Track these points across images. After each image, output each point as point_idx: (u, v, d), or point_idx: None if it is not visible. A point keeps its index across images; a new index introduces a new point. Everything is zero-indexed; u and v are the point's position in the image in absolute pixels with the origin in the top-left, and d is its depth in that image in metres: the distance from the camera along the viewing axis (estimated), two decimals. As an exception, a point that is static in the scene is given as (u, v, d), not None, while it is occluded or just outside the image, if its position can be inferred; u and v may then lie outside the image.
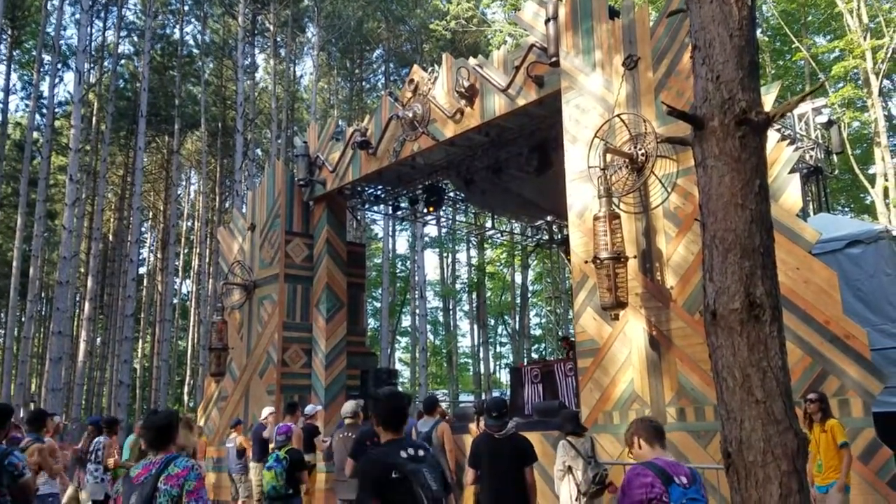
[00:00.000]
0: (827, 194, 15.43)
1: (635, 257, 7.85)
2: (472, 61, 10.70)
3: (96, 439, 9.10)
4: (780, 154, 7.11)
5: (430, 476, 3.28)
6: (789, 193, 7.01)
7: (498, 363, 45.86)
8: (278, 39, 34.19)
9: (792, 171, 7.19)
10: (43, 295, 37.18)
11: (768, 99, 7.04)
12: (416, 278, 31.91)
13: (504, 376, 43.57)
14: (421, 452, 3.41)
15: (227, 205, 35.20)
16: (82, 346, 28.81)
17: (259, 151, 37.21)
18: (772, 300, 2.42)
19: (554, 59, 9.03)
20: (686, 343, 7.40)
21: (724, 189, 2.44)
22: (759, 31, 25.35)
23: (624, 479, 3.23)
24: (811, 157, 13.92)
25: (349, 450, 6.99)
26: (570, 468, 5.97)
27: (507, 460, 5.48)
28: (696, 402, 7.26)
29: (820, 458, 6.18)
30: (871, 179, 19.79)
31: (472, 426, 8.85)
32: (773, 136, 7.33)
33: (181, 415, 4.93)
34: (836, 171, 17.67)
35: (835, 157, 14.76)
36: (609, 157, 7.89)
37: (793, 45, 22.58)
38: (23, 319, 30.79)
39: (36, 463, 6.92)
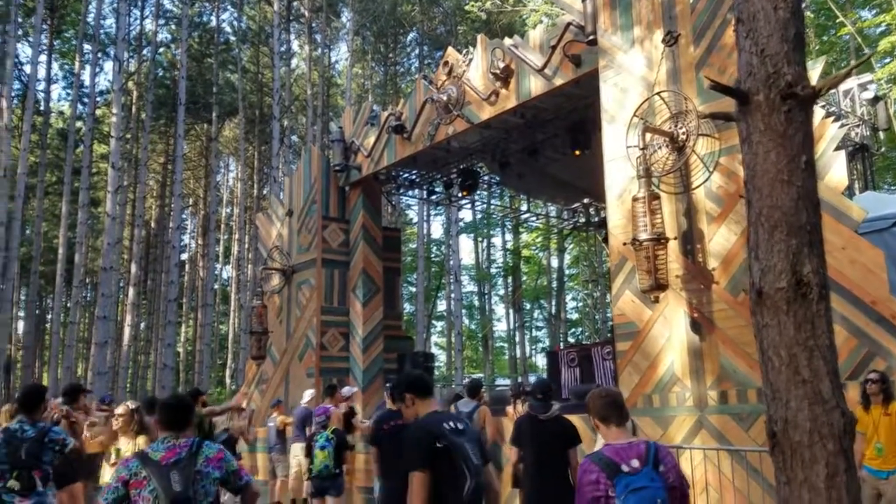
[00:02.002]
0: (873, 172, 15.02)
1: (676, 239, 7.74)
2: (507, 42, 10.60)
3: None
4: (825, 131, 6.92)
5: (471, 449, 3.27)
6: (835, 171, 6.84)
7: (534, 347, 45.81)
8: (313, 25, 34.31)
9: (837, 148, 7.01)
10: (88, 281, 38.12)
11: (813, 74, 6.85)
12: (451, 262, 31.94)
13: (540, 360, 43.49)
14: (461, 426, 3.41)
15: (265, 191, 35.57)
16: (127, 330, 29.54)
17: (295, 138, 37.50)
18: (819, 278, 2.37)
19: (591, 37, 8.90)
20: (729, 325, 7.28)
21: (769, 165, 2.39)
22: (803, 6, 24.68)
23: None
24: (857, 133, 13.54)
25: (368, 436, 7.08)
26: (608, 451, 5.93)
27: (551, 442, 5.49)
28: (738, 385, 7.16)
29: (880, 440, 5.90)
30: (920, 157, 19.19)
31: (510, 409, 8.87)
32: (818, 112, 7.15)
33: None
34: (883, 149, 17.15)
35: (881, 134, 14.34)
36: (649, 136, 7.76)
37: (837, 20, 21.92)
38: (69, 305, 31.66)
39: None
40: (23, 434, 5.05)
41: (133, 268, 30.07)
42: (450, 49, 11.99)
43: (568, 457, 5.50)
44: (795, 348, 2.33)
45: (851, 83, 13.93)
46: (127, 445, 5.73)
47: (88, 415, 8.38)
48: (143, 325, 38.07)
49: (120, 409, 5.99)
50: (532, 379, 32.25)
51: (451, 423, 3.36)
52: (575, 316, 42.20)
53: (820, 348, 2.32)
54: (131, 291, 29.55)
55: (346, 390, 10.72)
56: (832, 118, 7.97)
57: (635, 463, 2.75)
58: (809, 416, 2.27)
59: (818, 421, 2.26)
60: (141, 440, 5.68)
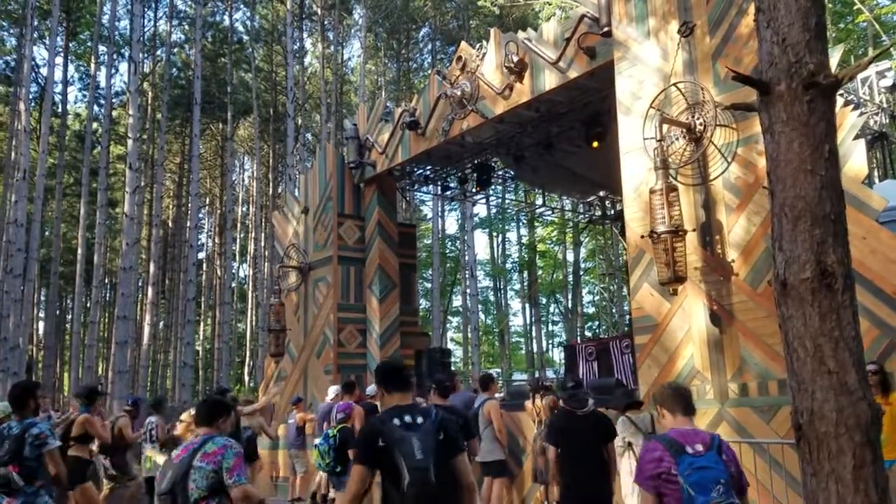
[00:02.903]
0: (892, 161, 14.84)
1: (694, 230, 7.69)
2: (520, 35, 10.56)
3: (149, 419, 9.47)
4: (844, 119, 6.84)
5: (418, 445, 3.19)
6: (854, 160, 6.76)
7: (550, 342, 45.70)
8: (326, 23, 34.36)
9: (857, 137, 6.93)
10: (107, 281, 38.49)
11: (831, 62, 6.78)
12: (467, 258, 31.94)
13: (557, 355, 43.45)
14: (419, 419, 3.32)
15: (280, 189, 35.75)
16: (146, 329, 29.78)
17: (310, 136, 37.61)
18: (843, 268, 2.35)
19: (606, 28, 8.84)
20: (749, 317, 7.23)
21: (792, 155, 2.37)
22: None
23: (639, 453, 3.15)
24: (876, 122, 13.39)
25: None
26: (629, 444, 5.93)
27: (589, 438, 5.45)
28: (759, 377, 7.11)
29: (881, 432, 5.87)
30: (941, 145, 18.92)
31: (528, 404, 8.85)
32: (837, 101, 7.07)
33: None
34: (903, 137, 16.91)
35: (901, 123, 14.15)
36: (665, 127, 7.71)
37: (855, 7, 21.65)
38: (88, 305, 31.99)
39: (78, 433, 7.26)
40: (9, 431, 5.04)
41: (151, 267, 30.31)
42: (463, 44, 11.96)
43: (605, 451, 5.48)
44: (821, 339, 2.31)
45: (870, 71, 13.76)
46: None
47: (103, 419, 8.51)
48: (161, 324, 38.39)
49: (184, 416, 6.26)
50: (549, 373, 32.20)
51: (408, 417, 3.31)
52: (591, 310, 42.08)
53: (845, 339, 2.30)
54: (150, 291, 29.81)
55: (370, 389, 10.74)
56: (851, 106, 7.88)
57: (699, 447, 2.94)
58: (836, 407, 2.26)
59: (844, 412, 2.25)
60: None
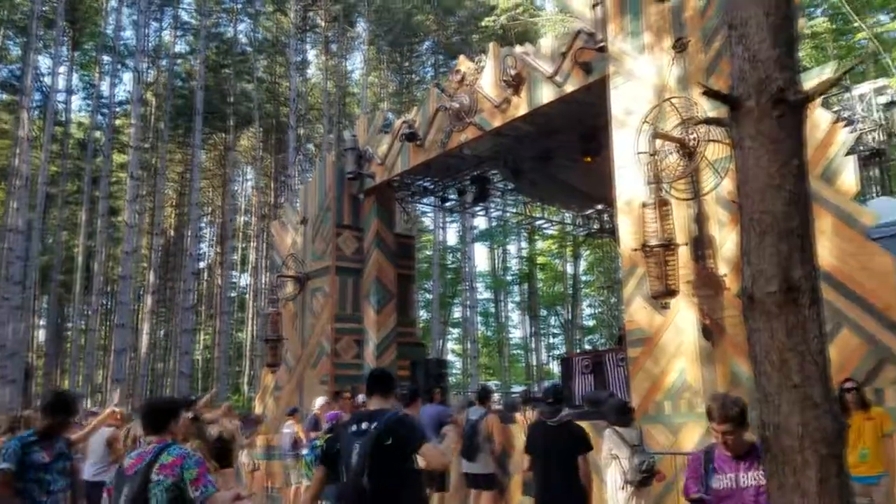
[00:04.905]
0: (889, 177, 14.87)
1: (686, 244, 7.72)
2: (518, 49, 10.63)
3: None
4: (835, 136, 6.89)
5: (358, 450, 3.39)
6: (845, 176, 6.80)
7: (550, 354, 45.59)
8: (329, 35, 34.58)
9: (849, 153, 6.96)
10: (107, 289, 38.51)
11: (822, 79, 6.83)
12: (466, 269, 31.97)
13: (556, 367, 43.31)
14: (364, 426, 3.48)
15: (281, 199, 35.81)
16: (145, 338, 29.80)
17: (311, 146, 37.76)
18: (810, 283, 2.37)
19: (601, 43, 8.92)
20: (740, 332, 7.22)
21: (760, 170, 2.40)
22: (818, 11, 24.53)
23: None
24: (873, 139, 13.42)
25: None
26: (615, 457, 5.93)
27: (560, 447, 5.46)
28: (750, 392, 7.10)
29: (865, 446, 5.79)
30: (939, 162, 18.94)
31: (519, 416, 8.85)
32: (827, 117, 7.11)
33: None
34: (901, 154, 16.95)
35: (897, 139, 14.19)
36: (659, 142, 7.76)
37: (854, 24, 21.76)
38: (88, 313, 32.01)
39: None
40: None
41: (151, 276, 30.39)
42: (461, 57, 12.05)
43: (577, 463, 5.47)
44: (787, 353, 2.33)
45: (867, 87, 13.83)
46: None
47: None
48: (161, 332, 38.40)
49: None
50: (546, 385, 32.16)
51: (364, 424, 3.50)
52: (591, 322, 42.03)
53: (811, 353, 2.32)
54: (149, 299, 29.86)
55: (361, 397, 10.74)
56: (843, 123, 7.91)
57: None
58: (801, 421, 2.27)
59: (809, 426, 2.26)
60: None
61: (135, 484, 3.27)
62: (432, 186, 14.97)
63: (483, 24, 29.82)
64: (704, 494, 3.53)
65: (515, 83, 10.43)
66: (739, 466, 3.48)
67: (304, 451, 7.57)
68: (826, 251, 6.45)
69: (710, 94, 2.55)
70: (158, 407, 3.66)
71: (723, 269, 7.51)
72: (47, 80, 28.43)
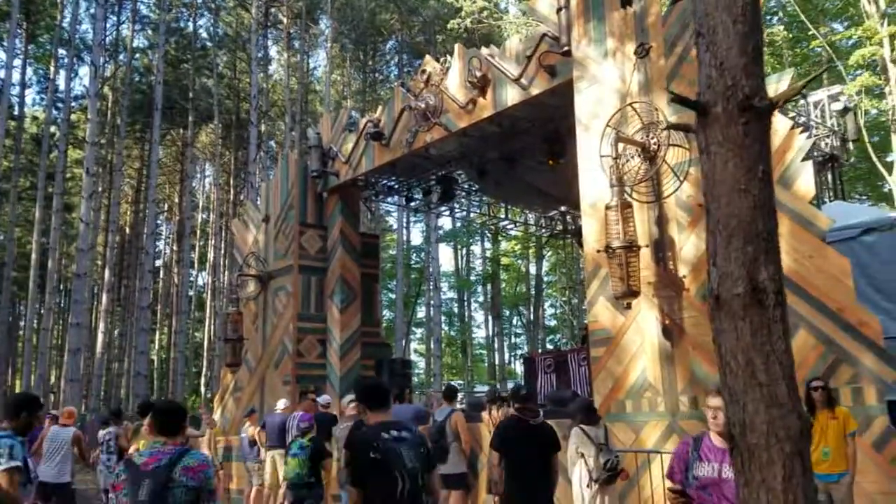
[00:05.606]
0: (842, 182, 15.29)
1: (647, 246, 7.84)
2: (483, 51, 10.68)
3: (107, 430, 9.29)
4: (793, 141, 7.07)
5: (408, 454, 3.51)
6: (802, 181, 6.97)
7: (513, 354, 45.93)
8: (291, 31, 34.26)
9: (805, 158, 7.15)
10: (61, 287, 37.63)
11: (781, 86, 7.01)
12: (431, 269, 31.98)
13: (519, 367, 43.56)
14: (405, 434, 3.61)
15: (241, 197, 35.36)
16: (100, 337, 29.17)
17: (273, 143, 37.39)
18: (775, 285, 2.44)
19: (566, 48, 9.00)
20: (699, 332, 7.39)
21: (727, 175, 2.46)
22: (775, 19, 25.12)
23: None
24: (827, 144, 13.79)
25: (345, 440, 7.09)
26: (582, 455, 6.01)
27: (538, 448, 5.52)
28: (709, 391, 7.25)
29: (827, 445, 5.96)
30: (889, 167, 19.56)
31: (485, 415, 8.90)
32: (785, 123, 7.29)
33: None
34: (852, 159, 17.45)
35: (850, 145, 14.61)
36: (621, 146, 7.87)
37: (809, 33, 22.32)
38: (42, 311, 31.23)
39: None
40: None
41: (107, 274, 29.75)
42: (427, 57, 12.05)
43: (552, 462, 5.55)
44: (752, 353, 2.40)
45: (821, 95, 14.21)
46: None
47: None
48: (116, 332, 37.64)
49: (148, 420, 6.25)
50: (510, 385, 32.31)
51: (394, 432, 3.59)
52: (553, 322, 42.41)
53: (776, 353, 2.39)
54: (105, 298, 29.25)
55: (323, 398, 10.67)
56: (800, 129, 8.12)
57: None
58: (766, 419, 2.34)
59: (775, 424, 2.33)
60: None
61: (157, 479, 3.38)
62: (397, 186, 14.93)
63: (449, 25, 29.85)
64: (687, 482, 3.60)
65: (481, 84, 10.47)
66: (724, 458, 3.55)
67: (293, 451, 7.48)
68: (784, 254, 6.59)
69: (678, 100, 2.60)
70: (173, 410, 3.79)
71: (682, 270, 7.66)
72: (1, 73, 27.65)
